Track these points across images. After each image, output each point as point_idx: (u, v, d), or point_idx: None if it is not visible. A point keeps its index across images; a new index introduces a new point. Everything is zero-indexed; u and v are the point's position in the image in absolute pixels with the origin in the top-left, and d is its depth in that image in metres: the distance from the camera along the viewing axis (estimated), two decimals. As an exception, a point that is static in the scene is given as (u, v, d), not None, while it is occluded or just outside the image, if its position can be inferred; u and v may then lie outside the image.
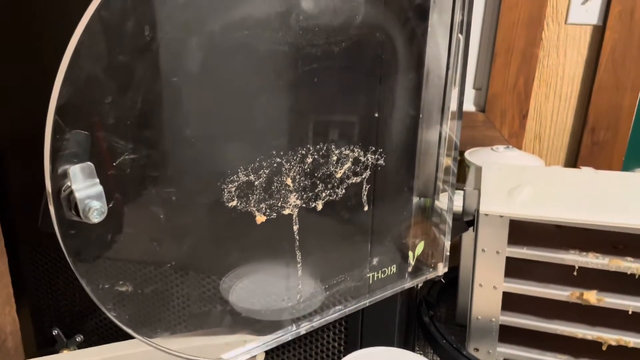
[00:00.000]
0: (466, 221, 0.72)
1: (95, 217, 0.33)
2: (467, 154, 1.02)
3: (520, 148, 1.07)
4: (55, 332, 0.73)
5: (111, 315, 0.38)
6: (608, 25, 0.96)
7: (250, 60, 0.39)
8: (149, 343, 0.42)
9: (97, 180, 0.33)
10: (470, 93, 1.10)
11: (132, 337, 0.42)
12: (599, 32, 0.97)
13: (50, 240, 0.39)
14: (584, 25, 0.98)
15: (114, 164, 0.35)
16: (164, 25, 0.35)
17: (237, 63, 0.38)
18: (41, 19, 0.52)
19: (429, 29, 0.52)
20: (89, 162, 0.32)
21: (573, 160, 1.06)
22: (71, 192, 0.32)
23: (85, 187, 0.32)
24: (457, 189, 0.88)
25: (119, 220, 0.37)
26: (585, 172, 0.75)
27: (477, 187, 0.72)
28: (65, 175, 0.33)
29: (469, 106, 1.10)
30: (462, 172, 1.09)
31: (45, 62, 0.36)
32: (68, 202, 0.33)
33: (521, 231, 0.70)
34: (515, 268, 0.70)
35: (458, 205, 0.92)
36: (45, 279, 0.75)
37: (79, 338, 0.72)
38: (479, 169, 0.79)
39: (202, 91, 0.37)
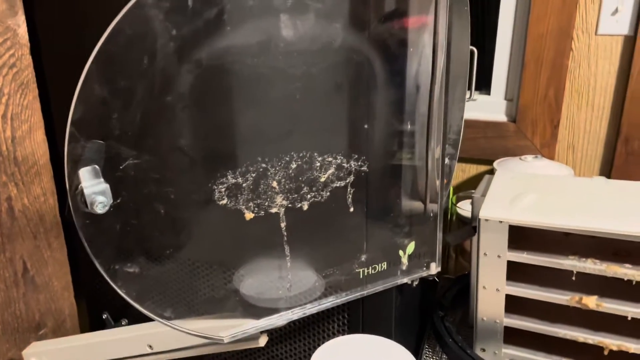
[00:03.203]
0: (473, 226, 0.76)
1: (100, 209, 0.41)
2: (496, 164, 1.05)
3: (552, 158, 1.08)
4: (104, 316, 0.83)
5: (121, 292, 0.46)
6: (639, 36, 0.95)
7: (235, 82, 0.46)
8: (160, 320, 0.50)
9: (102, 179, 0.42)
10: (502, 104, 1.12)
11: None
12: (630, 43, 0.98)
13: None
14: (615, 35, 0.98)
15: (121, 167, 0.44)
16: (159, 55, 0.43)
17: (223, 84, 0.46)
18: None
19: (414, 49, 0.57)
20: (95, 165, 0.41)
21: (608, 170, 1.06)
22: (82, 190, 0.41)
23: (91, 185, 0.41)
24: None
25: (126, 213, 0.45)
26: (596, 181, 0.77)
27: (485, 194, 0.76)
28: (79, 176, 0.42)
29: (500, 116, 1.12)
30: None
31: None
32: (80, 197, 0.41)
33: (526, 236, 0.73)
34: (519, 271, 0.73)
35: (469, 211, 0.95)
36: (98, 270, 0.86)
37: (124, 322, 0.83)
38: (490, 177, 0.82)
39: (192, 108, 0.45)
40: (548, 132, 1.07)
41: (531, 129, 1.08)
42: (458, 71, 0.79)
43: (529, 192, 0.74)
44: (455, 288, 0.89)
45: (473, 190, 1.10)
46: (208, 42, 0.44)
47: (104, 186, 0.42)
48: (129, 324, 0.83)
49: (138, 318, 0.84)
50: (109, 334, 0.66)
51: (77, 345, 0.68)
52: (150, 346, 0.63)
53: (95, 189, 0.41)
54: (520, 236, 0.73)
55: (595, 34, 1.00)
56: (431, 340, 0.83)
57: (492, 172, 1.10)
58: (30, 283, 0.78)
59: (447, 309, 0.83)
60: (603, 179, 0.78)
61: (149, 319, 0.74)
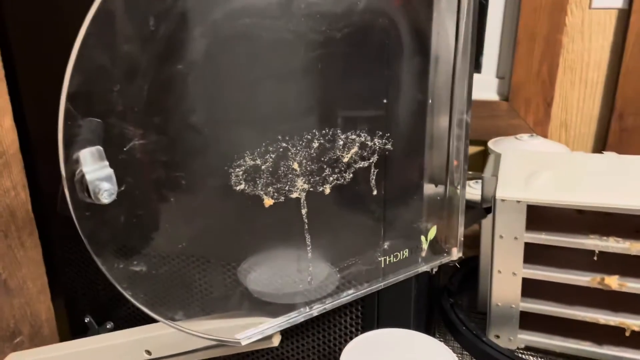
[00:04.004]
0: (484, 208, 0.72)
1: (105, 198, 0.35)
2: (491, 144, 1.01)
3: (545, 136, 1.06)
4: (87, 320, 0.76)
5: (127, 294, 0.40)
6: (634, 9, 0.93)
7: (253, 48, 0.40)
8: (168, 323, 0.44)
9: (107, 163, 0.35)
10: (493, 82, 1.09)
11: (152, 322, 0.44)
12: (624, 16, 0.95)
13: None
14: (609, 9, 0.96)
15: (125, 149, 0.37)
16: (168, 16, 0.36)
17: (241, 51, 0.40)
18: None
19: (437, 14, 0.52)
20: (98, 146, 0.34)
21: (601, 147, 1.04)
22: (83, 175, 0.34)
23: (95, 169, 0.34)
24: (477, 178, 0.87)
25: (131, 203, 0.39)
26: (608, 157, 0.74)
27: (496, 174, 0.72)
28: (78, 160, 0.35)
29: (492, 95, 1.09)
30: (486, 162, 1.08)
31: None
32: (80, 185, 0.35)
33: (541, 217, 0.70)
34: (535, 254, 0.70)
35: (478, 194, 0.91)
36: (79, 269, 0.78)
37: (109, 325, 0.76)
38: (498, 156, 0.78)
39: (207, 79, 0.39)
40: (541, 111, 1.04)
41: (524, 107, 1.05)
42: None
43: (542, 170, 0.71)
44: (459, 274, 0.85)
45: (470, 172, 1.06)
46: (223, 1, 0.38)
47: (109, 171, 0.35)
48: (115, 327, 0.76)
49: (124, 320, 0.78)
50: (99, 340, 0.59)
51: (63, 354, 0.61)
52: (148, 352, 0.57)
53: (99, 174, 0.34)
54: (533, 216, 0.69)
55: (590, 7, 0.97)
56: (440, 328, 0.79)
57: (486, 152, 1.07)
58: (3, 287, 0.70)
59: (456, 296, 0.79)
60: (614, 154, 0.75)
61: (140, 322, 0.67)
